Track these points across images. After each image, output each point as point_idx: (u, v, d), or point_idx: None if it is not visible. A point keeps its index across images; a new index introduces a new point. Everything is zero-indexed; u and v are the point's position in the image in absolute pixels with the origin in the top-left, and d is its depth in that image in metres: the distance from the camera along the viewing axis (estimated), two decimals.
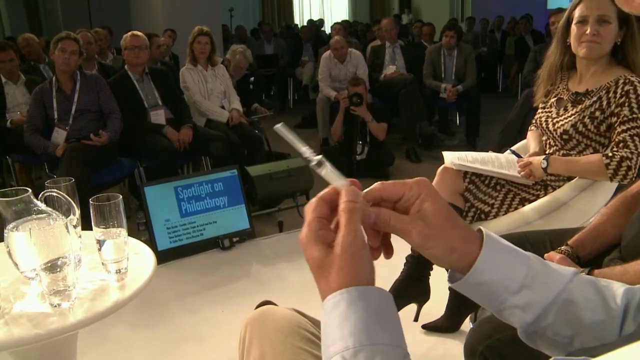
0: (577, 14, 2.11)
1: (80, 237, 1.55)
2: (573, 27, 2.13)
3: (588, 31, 2.06)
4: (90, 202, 1.40)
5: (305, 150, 0.75)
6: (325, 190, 0.73)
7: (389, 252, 0.76)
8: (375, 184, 0.74)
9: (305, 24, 13.33)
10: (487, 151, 2.51)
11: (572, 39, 2.14)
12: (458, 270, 0.75)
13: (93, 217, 1.41)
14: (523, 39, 9.58)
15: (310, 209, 0.71)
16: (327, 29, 12.94)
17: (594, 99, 2.12)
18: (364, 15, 17.40)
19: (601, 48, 2.09)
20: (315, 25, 12.35)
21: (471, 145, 6.09)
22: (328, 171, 0.73)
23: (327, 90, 6.14)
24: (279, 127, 0.78)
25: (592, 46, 2.08)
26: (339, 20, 12.01)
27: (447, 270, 0.80)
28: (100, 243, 1.42)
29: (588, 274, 1.48)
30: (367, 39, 9.72)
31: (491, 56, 10.33)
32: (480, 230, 0.75)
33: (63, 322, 1.24)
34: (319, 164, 0.73)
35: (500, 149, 2.63)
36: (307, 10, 17.16)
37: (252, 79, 6.19)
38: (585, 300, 0.73)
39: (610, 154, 2.03)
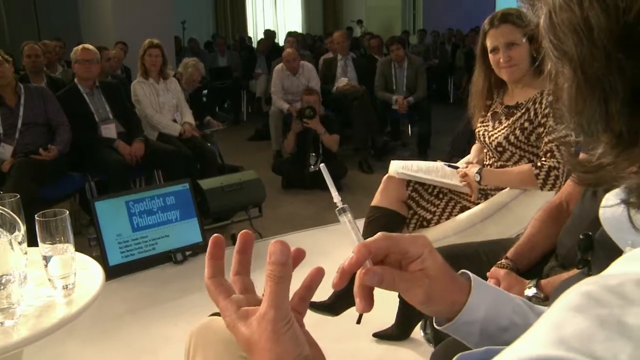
0: (488, 43, 2.24)
1: (26, 253, 1.54)
2: (490, 55, 2.25)
3: (502, 59, 2.18)
4: (36, 217, 1.40)
5: (336, 195, 0.79)
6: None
7: (371, 303, 0.74)
8: (378, 236, 0.71)
9: (258, 35, 13.33)
10: (437, 161, 2.59)
11: (493, 66, 2.26)
12: (448, 316, 0.76)
13: (39, 233, 1.41)
14: (473, 51, 9.82)
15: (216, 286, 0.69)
16: (281, 41, 12.96)
17: (523, 110, 2.24)
18: (318, 27, 17.53)
19: (519, 69, 2.21)
20: (272, 38, 12.37)
21: (422, 155, 6.20)
22: (347, 221, 0.77)
23: (279, 103, 6.18)
24: (322, 166, 0.83)
25: (511, 70, 2.21)
26: (292, 32, 12.05)
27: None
28: (47, 259, 1.42)
29: (535, 285, 1.55)
30: (320, 51, 9.81)
31: (442, 68, 10.55)
32: (465, 273, 0.77)
33: (6, 341, 1.24)
34: (343, 210, 0.77)
35: (450, 159, 2.71)
36: (260, 22, 17.19)
37: (205, 91, 6.19)
38: None
39: (539, 164, 2.15)
